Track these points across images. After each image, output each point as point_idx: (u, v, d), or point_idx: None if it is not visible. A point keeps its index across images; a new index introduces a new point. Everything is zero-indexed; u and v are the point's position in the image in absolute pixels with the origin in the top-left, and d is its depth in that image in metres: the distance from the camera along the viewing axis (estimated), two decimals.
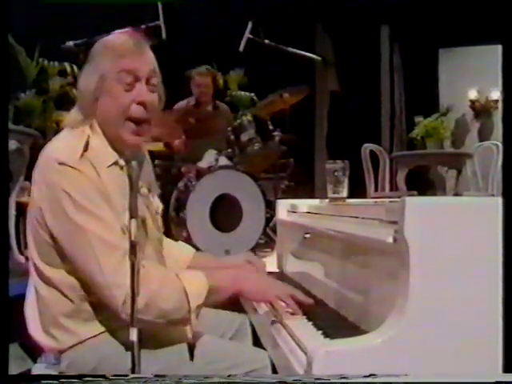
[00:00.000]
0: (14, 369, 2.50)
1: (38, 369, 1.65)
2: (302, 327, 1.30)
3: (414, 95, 7.34)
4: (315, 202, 2.15)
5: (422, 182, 5.88)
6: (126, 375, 1.25)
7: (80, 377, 1.26)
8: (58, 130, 5.19)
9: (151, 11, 4.38)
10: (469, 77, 7.49)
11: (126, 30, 1.65)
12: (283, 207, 2.25)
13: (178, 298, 1.40)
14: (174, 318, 1.42)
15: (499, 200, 1.07)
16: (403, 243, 1.00)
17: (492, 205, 1.07)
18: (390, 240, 1.04)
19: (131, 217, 1.21)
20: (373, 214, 1.28)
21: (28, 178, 4.26)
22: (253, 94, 6.80)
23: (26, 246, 4.30)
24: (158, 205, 1.70)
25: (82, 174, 1.41)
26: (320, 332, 1.22)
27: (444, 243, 1.02)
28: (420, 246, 1.00)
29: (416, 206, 1.01)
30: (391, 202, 1.24)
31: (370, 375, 1.00)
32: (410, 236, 1.00)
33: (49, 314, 1.50)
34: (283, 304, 1.47)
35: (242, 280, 1.54)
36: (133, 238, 1.19)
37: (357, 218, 1.40)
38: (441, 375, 1.05)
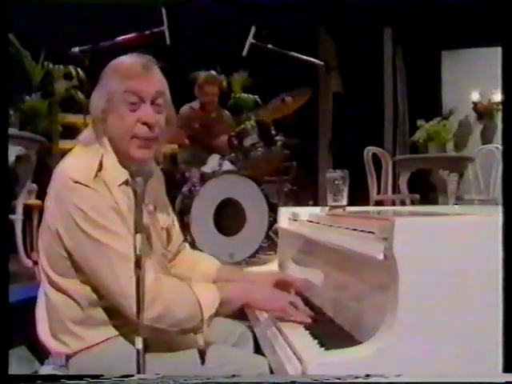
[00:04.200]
0: (21, 370, 2.56)
1: (45, 371, 1.68)
2: (299, 336, 1.35)
3: (417, 97, 7.38)
4: (316, 210, 2.19)
5: (424, 185, 5.93)
6: (131, 375, 1.30)
7: (81, 377, 1.30)
8: (63, 132, 5.26)
9: (155, 17, 4.44)
10: (471, 79, 7.53)
11: (136, 54, 1.68)
12: (285, 215, 2.29)
13: (192, 308, 1.47)
14: (187, 327, 1.49)
15: (487, 219, 1.14)
16: (393, 260, 1.06)
17: (480, 223, 1.13)
18: (381, 257, 1.09)
19: (136, 232, 1.26)
20: (369, 226, 1.33)
21: (35, 180, 4.34)
22: (256, 97, 6.83)
23: (32, 249, 4.38)
24: (164, 221, 1.76)
25: (96, 193, 1.48)
26: (316, 341, 1.28)
27: (432, 261, 1.07)
28: (409, 263, 1.06)
29: (405, 226, 1.06)
30: (383, 219, 1.29)
31: (367, 375, 1.06)
32: (398, 254, 1.05)
33: (58, 319, 1.56)
34: (292, 311, 1.54)
35: (251, 292, 1.62)
36: (138, 252, 1.25)
37: (354, 230, 1.45)
38: (441, 375, 1.09)
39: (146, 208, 1.62)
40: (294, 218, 2.20)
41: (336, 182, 2.11)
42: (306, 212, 2.18)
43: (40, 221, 1.65)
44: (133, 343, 1.44)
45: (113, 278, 1.45)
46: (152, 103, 1.58)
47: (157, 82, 1.60)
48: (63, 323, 1.55)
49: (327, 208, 2.10)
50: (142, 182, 1.33)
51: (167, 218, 1.79)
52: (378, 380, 1.06)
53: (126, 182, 1.54)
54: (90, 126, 1.62)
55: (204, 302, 1.48)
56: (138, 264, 1.26)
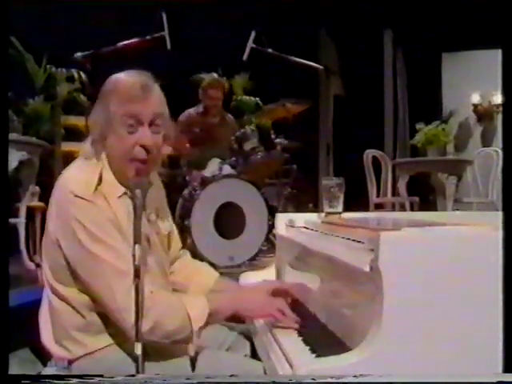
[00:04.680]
0: (24, 372, 2.61)
1: (48, 372, 1.72)
2: (292, 342, 1.40)
3: (418, 99, 7.42)
4: (313, 216, 2.24)
5: (424, 188, 5.98)
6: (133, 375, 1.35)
7: (80, 377, 1.35)
8: (65, 134, 5.29)
9: (156, 22, 4.50)
10: (472, 81, 7.57)
11: (137, 71, 1.70)
12: (282, 221, 2.34)
13: (182, 320, 1.53)
14: (177, 338, 1.54)
15: (476, 230, 1.19)
16: (378, 273, 1.11)
17: (468, 236, 1.18)
18: (367, 269, 1.14)
19: (135, 242, 1.32)
20: (360, 236, 1.38)
21: (38, 182, 4.39)
22: (258, 99, 6.86)
23: (34, 251, 4.43)
24: (166, 228, 1.82)
25: (95, 206, 1.53)
26: (308, 348, 1.33)
27: (415, 274, 1.12)
28: (394, 276, 1.11)
29: (390, 239, 1.12)
30: (372, 229, 1.33)
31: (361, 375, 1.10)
32: (383, 267, 1.10)
33: (61, 326, 1.62)
34: (280, 317, 1.59)
35: (240, 301, 1.67)
36: (136, 262, 1.30)
37: (347, 239, 1.49)
38: (441, 375, 1.12)
39: (148, 217, 1.69)
40: (291, 225, 2.25)
41: (332, 190, 2.16)
42: (302, 218, 2.22)
43: (42, 222, 1.70)
44: (127, 351, 1.52)
45: (108, 292, 1.50)
46: (150, 125, 1.61)
47: (155, 103, 1.63)
48: (66, 330, 1.61)
49: (323, 214, 2.15)
50: (140, 195, 1.38)
51: (168, 225, 1.85)
52: (375, 380, 1.11)
53: (125, 193, 1.59)
54: (89, 142, 1.66)
55: (193, 315, 1.53)
56: (138, 273, 1.31)
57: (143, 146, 1.60)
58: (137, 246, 1.31)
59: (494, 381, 1.14)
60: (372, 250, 1.17)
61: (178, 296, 1.63)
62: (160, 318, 1.49)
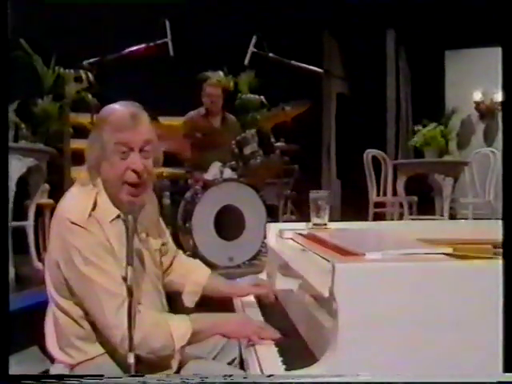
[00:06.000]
0: (34, 369, 2.78)
1: (56, 369, 1.86)
2: (269, 352, 1.53)
3: (421, 98, 7.50)
4: (302, 226, 2.37)
5: (422, 188, 6.09)
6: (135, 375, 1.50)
7: (81, 376, 1.46)
8: (73, 133, 5.42)
9: (160, 29, 4.64)
10: (474, 78, 7.64)
11: (127, 102, 1.87)
12: (272, 231, 2.48)
13: (165, 339, 1.67)
14: (161, 354, 1.68)
15: (431, 264, 1.32)
16: (334, 299, 1.24)
17: (423, 269, 1.29)
18: (327, 294, 1.28)
19: (128, 264, 1.48)
20: (331, 256, 1.52)
21: (47, 180, 4.56)
22: (262, 97, 6.95)
23: (44, 248, 4.60)
24: (157, 243, 1.97)
25: (89, 232, 1.69)
26: (281, 359, 1.46)
27: (367, 302, 1.24)
28: (348, 303, 1.23)
29: (345, 271, 1.24)
30: (341, 251, 1.46)
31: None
32: (338, 295, 1.22)
33: (63, 335, 1.80)
34: (256, 341, 1.67)
35: (221, 324, 1.80)
36: (129, 283, 1.46)
37: (322, 257, 1.63)
38: (441, 375, 1.20)
39: (140, 236, 1.84)
40: (280, 235, 2.38)
41: (319, 202, 2.31)
42: (290, 230, 2.35)
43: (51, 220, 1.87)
44: (118, 358, 1.67)
45: (99, 311, 1.67)
46: (140, 151, 1.77)
47: (144, 131, 1.79)
48: (68, 338, 1.78)
49: (310, 225, 2.30)
50: (132, 220, 1.54)
51: (160, 240, 2.01)
52: (375, 379, 1.21)
53: (118, 216, 1.75)
54: (85, 169, 1.82)
55: (176, 335, 1.68)
56: (130, 292, 1.48)
57: (134, 171, 1.76)
58: (129, 267, 1.47)
59: (494, 381, 1.21)
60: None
61: (163, 316, 1.77)
62: (146, 335, 1.64)
